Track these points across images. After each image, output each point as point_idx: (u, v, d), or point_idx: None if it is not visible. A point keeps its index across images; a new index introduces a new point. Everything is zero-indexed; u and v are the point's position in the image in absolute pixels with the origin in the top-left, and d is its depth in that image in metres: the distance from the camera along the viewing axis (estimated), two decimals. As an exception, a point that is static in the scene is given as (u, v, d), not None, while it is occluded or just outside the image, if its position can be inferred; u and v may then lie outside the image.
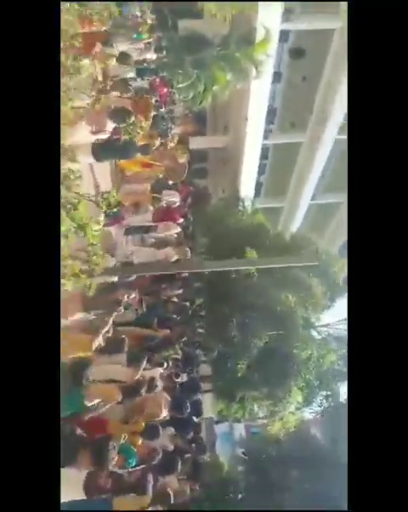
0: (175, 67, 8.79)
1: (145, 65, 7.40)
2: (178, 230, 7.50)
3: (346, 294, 11.70)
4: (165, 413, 4.63)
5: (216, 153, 16.07)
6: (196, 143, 13.80)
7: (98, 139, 4.88)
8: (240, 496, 11.88)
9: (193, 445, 6.55)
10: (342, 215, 17.31)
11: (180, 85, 9.12)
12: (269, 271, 11.57)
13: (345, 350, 11.22)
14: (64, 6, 3.78)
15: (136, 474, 4.21)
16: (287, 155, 15.60)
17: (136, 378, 4.20)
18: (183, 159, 8.61)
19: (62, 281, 3.23)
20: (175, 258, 6.10)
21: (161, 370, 5.24)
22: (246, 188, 15.15)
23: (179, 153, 8.52)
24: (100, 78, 5.80)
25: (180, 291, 7.29)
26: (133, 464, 4.23)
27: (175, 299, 7.28)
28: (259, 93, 11.86)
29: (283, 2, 10.63)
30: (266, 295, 10.74)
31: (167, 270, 6.11)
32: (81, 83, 4.60)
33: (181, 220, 8.07)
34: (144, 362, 4.36)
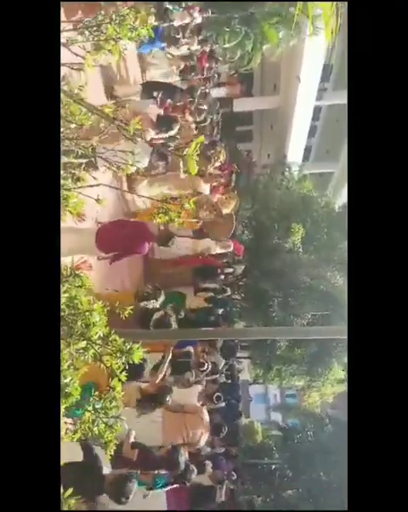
0: (221, 25, 7.95)
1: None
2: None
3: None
4: (203, 442, 4.40)
5: (262, 115, 14.98)
6: (242, 105, 12.82)
7: None
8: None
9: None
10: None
11: (227, 45, 8.29)
12: (315, 247, 11.03)
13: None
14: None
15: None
16: (342, 116, 14.32)
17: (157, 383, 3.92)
18: (229, 207, 6.07)
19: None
20: (217, 250, 5.60)
21: (200, 389, 4.93)
22: (294, 153, 14.17)
23: (225, 199, 6.05)
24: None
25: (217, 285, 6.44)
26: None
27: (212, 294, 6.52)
28: (314, 49, 10.64)
29: None
30: (310, 272, 10.22)
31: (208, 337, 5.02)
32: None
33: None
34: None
